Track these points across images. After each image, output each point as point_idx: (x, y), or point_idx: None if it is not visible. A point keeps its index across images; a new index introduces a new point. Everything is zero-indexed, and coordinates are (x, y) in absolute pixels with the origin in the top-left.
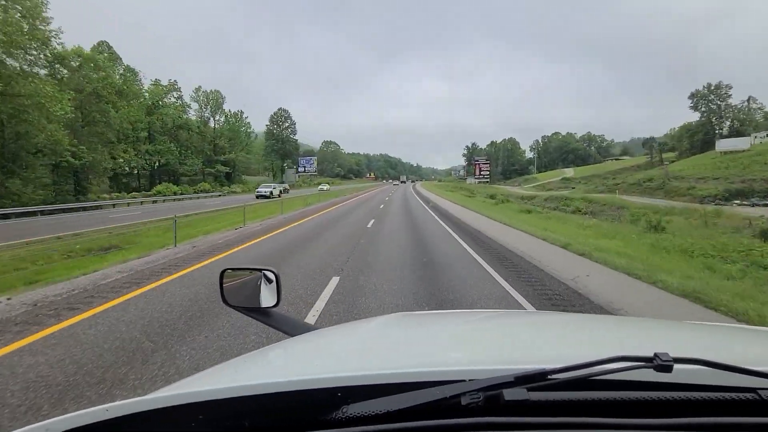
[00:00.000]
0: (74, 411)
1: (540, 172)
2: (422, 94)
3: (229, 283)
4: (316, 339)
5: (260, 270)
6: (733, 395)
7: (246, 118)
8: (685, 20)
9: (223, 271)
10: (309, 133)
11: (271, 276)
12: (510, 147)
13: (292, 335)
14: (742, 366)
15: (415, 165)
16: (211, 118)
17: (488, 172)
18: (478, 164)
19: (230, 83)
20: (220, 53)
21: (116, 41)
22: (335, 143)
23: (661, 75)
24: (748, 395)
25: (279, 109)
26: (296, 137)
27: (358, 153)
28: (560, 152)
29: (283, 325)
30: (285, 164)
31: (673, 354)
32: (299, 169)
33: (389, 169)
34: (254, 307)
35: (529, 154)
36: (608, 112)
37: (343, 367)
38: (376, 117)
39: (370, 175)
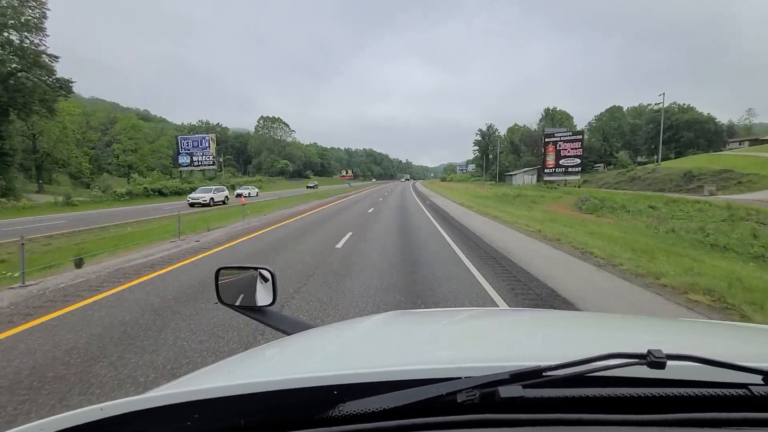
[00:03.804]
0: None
1: (637, 162)
2: (411, 88)
3: (225, 281)
4: (311, 337)
5: (255, 269)
6: (725, 391)
7: None
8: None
9: (218, 270)
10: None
11: (267, 275)
12: (561, 125)
13: (288, 334)
14: (734, 362)
15: (404, 161)
16: None
17: (578, 161)
18: (555, 146)
19: (168, 64)
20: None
21: None
22: (281, 122)
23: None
24: (740, 391)
25: None
26: (49, 57)
27: (338, 148)
28: (653, 132)
29: (279, 323)
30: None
31: (666, 351)
32: (181, 161)
33: (373, 166)
34: (250, 305)
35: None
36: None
37: (339, 366)
38: (360, 112)
39: (347, 173)
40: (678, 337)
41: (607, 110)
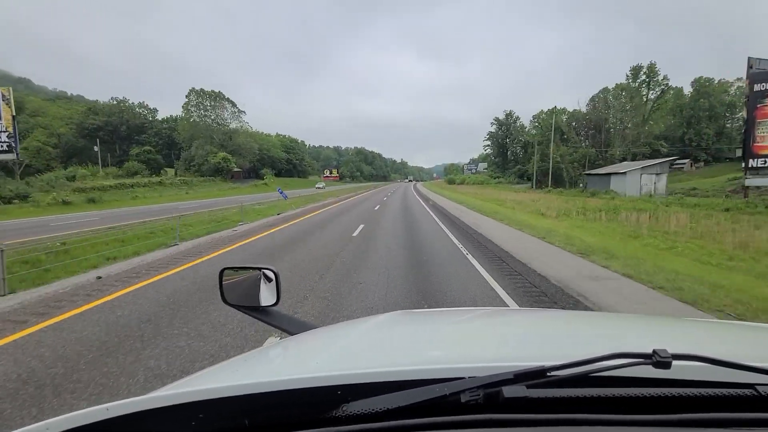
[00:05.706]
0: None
1: None
2: (407, 86)
3: (229, 281)
4: (315, 337)
5: (259, 269)
6: (731, 391)
7: None
8: None
9: (222, 270)
10: (269, 126)
11: (271, 275)
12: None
13: (292, 334)
14: (740, 362)
15: (399, 161)
16: None
17: None
18: None
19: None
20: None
21: None
22: (223, 98)
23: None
24: (746, 391)
25: None
26: None
27: (327, 146)
28: None
29: (282, 323)
30: None
31: (672, 350)
32: None
33: (363, 165)
34: (254, 306)
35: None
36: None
37: (343, 366)
38: (352, 110)
39: (331, 173)
40: (683, 336)
41: (691, 83)
